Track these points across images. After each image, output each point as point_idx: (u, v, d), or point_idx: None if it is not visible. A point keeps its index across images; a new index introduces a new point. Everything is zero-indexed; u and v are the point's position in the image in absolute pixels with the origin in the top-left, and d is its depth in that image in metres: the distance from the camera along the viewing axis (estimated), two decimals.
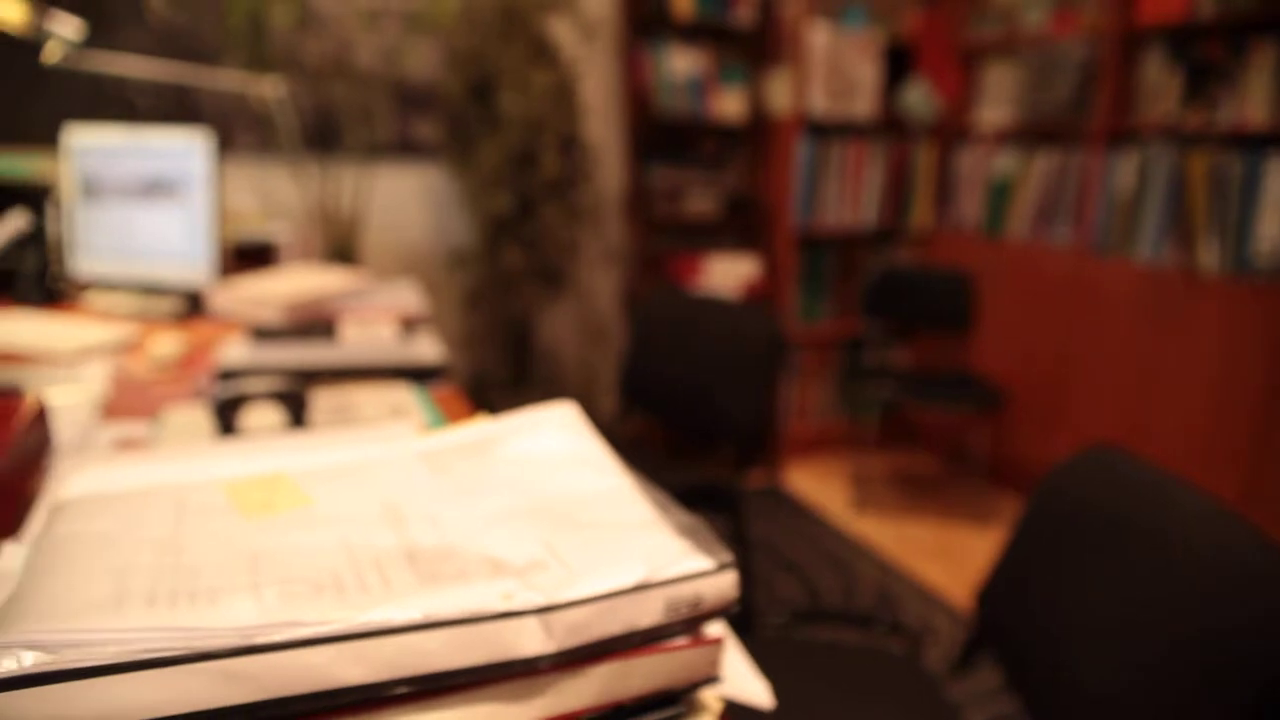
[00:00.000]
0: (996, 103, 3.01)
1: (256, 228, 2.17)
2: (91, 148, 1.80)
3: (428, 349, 1.15)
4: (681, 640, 0.40)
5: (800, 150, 2.96)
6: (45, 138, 2.24)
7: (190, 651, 0.31)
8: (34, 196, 1.93)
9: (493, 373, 2.76)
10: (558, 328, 2.99)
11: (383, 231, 2.66)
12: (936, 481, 3.07)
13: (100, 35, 2.27)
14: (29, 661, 0.29)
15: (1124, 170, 2.51)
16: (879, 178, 3.14)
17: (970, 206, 3.08)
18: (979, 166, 3.03)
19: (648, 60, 2.90)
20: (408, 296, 1.44)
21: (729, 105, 2.99)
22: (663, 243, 3.11)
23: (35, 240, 1.90)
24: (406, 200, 2.71)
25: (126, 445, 0.94)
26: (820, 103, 2.94)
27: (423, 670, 0.34)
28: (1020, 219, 2.87)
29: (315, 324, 1.25)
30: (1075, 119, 2.68)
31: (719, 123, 3.02)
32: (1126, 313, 2.48)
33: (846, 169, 3.08)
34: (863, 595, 2.29)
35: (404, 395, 0.99)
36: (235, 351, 1.12)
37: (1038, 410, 2.79)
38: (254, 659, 0.31)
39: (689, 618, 0.40)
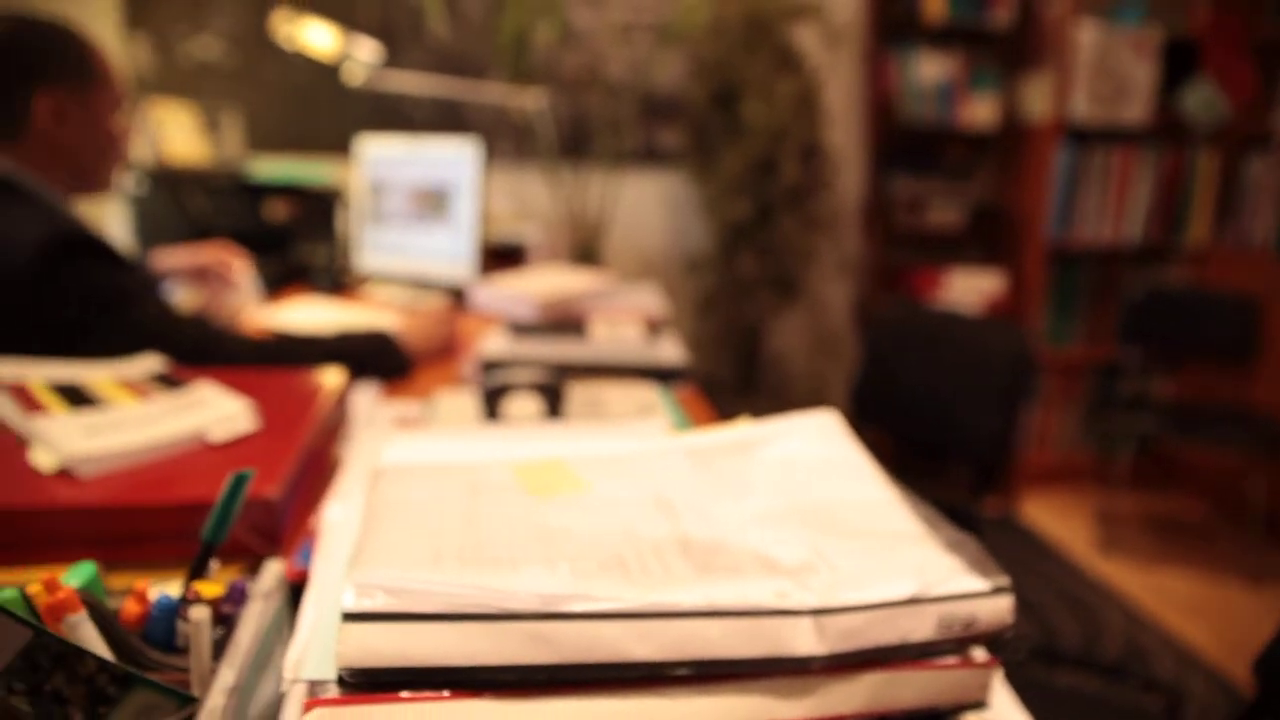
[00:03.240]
0: None
1: (510, 229, 2.34)
2: (379, 156, 2.01)
3: (671, 351, 1.18)
4: (951, 659, 0.39)
5: (1058, 159, 2.76)
6: (336, 146, 2.53)
7: (502, 611, 0.34)
8: (327, 198, 2.19)
9: (721, 377, 2.79)
10: (788, 336, 2.97)
11: (625, 235, 2.77)
12: (1200, 529, 2.75)
13: (387, 56, 2.53)
14: (381, 601, 0.33)
15: None
16: (1148, 188, 2.86)
17: (1260, 221, 2.73)
18: (1274, 176, 2.69)
19: (894, 66, 2.82)
20: (651, 299, 1.49)
21: (979, 112, 2.85)
22: (900, 254, 3.01)
23: (326, 237, 2.15)
24: (648, 206, 2.81)
25: (403, 423, 1.05)
26: (1083, 107, 2.73)
27: (702, 655, 0.35)
28: None
29: (567, 321, 1.32)
30: None
31: (967, 130, 2.88)
32: None
33: (1110, 179, 2.83)
34: (1106, 644, 2.10)
35: (650, 394, 1.03)
36: (496, 344, 1.21)
37: None
38: (556, 625, 0.34)
39: (960, 637, 0.39)
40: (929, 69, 2.82)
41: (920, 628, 0.38)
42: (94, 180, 1.23)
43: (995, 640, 0.41)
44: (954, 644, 0.39)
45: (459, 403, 1.04)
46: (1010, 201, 2.95)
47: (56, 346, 1.02)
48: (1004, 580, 0.40)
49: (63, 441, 0.67)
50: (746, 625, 0.36)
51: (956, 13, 2.77)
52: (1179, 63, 2.80)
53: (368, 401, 1.12)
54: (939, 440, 1.75)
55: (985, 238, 3.01)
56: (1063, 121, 2.73)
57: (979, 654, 0.40)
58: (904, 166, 2.92)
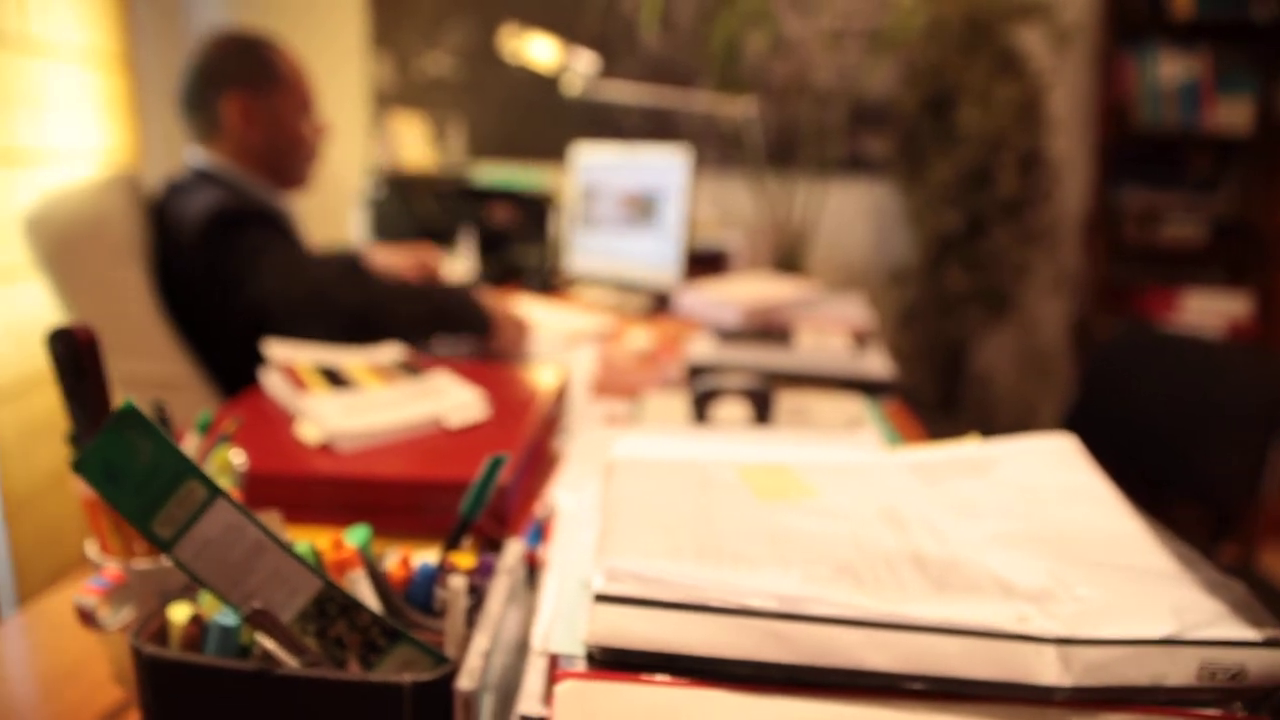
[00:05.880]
0: None
1: (713, 236, 2.37)
2: (591, 163, 2.09)
3: (879, 364, 1.16)
4: (1213, 711, 0.37)
5: None
6: (551, 153, 2.65)
7: (742, 607, 0.35)
8: (542, 203, 2.30)
9: (922, 393, 2.69)
10: (995, 355, 2.82)
11: (827, 244, 2.73)
12: None
13: (602, 66, 2.63)
14: (630, 587, 0.35)
15: None
16: None
17: None
18: None
19: (1130, 67, 2.61)
20: (857, 309, 1.47)
21: (1229, 115, 2.58)
22: (1128, 272, 2.78)
23: (539, 239, 2.26)
24: (852, 215, 2.75)
25: (612, 420, 1.09)
26: None
27: (939, 672, 0.35)
28: None
29: (771, 329, 1.33)
30: None
31: (1214, 136, 2.62)
32: None
33: None
34: None
35: (857, 406, 1.02)
36: (703, 348, 1.23)
37: None
38: (795, 625, 0.35)
39: (1225, 688, 0.36)
40: (1171, 69, 2.59)
41: (1177, 672, 0.36)
42: (291, 175, 1.39)
43: (1261, 698, 0.38)
44: (1216, 694, 0.36)
45: (666, 404, 1.06)
46: (1264, 215, 2.66)
47: (223, 300, 1.19)
48: (1278, 632, 0.37)
49: (325, 419, 0.75)
50: (986, 646, 0.35)
51: (1206, 6, 2.53)
52: None
53: (579, 397, 1.17)
54: (1167, 477, 1.60)
55: (1231, 255, 2.73)
56: None
57: (1241, 710, 0.37)
58: (1136, 176, 2.69)
